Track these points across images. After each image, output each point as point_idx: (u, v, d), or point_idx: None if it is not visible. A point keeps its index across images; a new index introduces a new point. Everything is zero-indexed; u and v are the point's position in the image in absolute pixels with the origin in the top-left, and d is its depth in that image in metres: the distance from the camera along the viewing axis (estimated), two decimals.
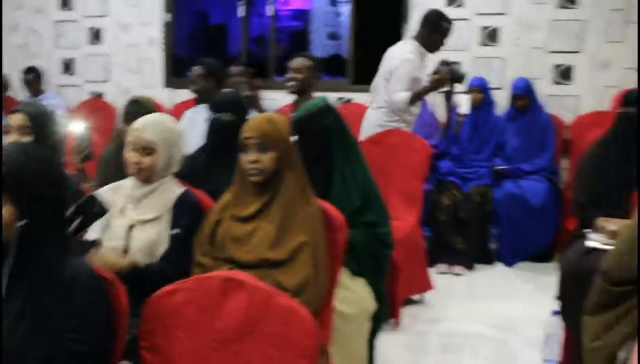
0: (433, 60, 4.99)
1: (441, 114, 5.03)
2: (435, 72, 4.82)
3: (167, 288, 2.08)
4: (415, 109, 4.82)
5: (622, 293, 2.75)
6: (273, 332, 1.97)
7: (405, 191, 4.24)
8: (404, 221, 4.07)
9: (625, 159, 3.52)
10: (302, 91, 4.50)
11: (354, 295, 2.86)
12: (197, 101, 4.54)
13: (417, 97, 4.67)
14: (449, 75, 4.68)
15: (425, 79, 4.71)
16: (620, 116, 3.65)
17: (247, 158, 2.51)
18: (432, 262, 4.90)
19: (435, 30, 4.72)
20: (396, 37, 5.65)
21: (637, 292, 2.36)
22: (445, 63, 4.94)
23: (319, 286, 2.43)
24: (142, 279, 2.42)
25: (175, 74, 6.73)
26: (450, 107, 5.02)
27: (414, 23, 5.46)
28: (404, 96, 4.61)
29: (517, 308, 4.29)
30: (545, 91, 5.62)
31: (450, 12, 5.12)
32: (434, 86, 4.63)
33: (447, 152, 5.37)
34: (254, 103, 4.88)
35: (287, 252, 2.43)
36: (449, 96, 4.91)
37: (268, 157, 2.48)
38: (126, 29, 6.71)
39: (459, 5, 5.82)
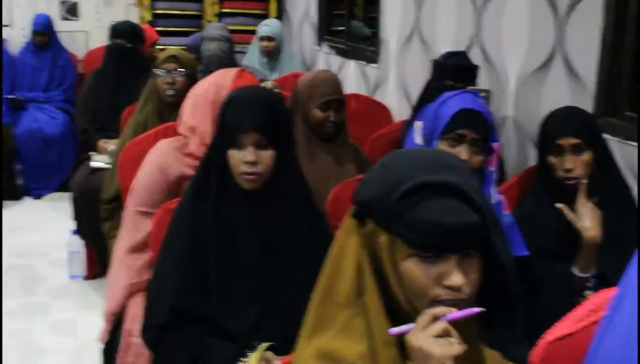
0: None
1: None
2: None
3: None
4: None
5: (114, 209, 3.18)
6: None
7: None
8: None
9: (117, 85, 3.95)
10: None
11: None
12: None
13: None
14: None
15: None
16: (110, 47, 4.06)
17: None
18: None
19: None
20: None
21: None
22: None
23: None
24: None
25: None
26: None
27: None
28: None
29: (44, 236, 4.51)
30: (56, 27, 5.77)
31: None
32: None
33: None
34: None
35: None
36: None
37: None
38: None
39: None
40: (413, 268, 1.12)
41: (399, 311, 1.16)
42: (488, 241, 1.16)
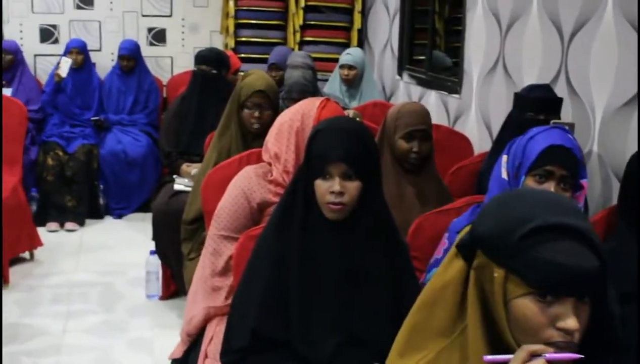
0: None
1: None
2: None
3: None
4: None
5: (194, 230, 3.23)
6: None
7: (5, 154, 4.30)
8: (5, 182, 4.15)
9: (201, 111, 4.03)
10: None
11: None
12: None
13: None
14: None
15: None
16: (195, 73, 4.15)
17: None
18: (43, 221, 5.05)
19: None
20: None
21: None
22: None
23: None
24: None
25: None
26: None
27: None
28: None
29: (124, 255, 4.63)
30: (142, 52, 5.95)
31: None
32: None
33: (51, 115, 5.47)
34: None
35: None
36: None
37: None
38: None
39: None
40: (528, 307, 1.12)
41: (497, 344, 1.16)
42: (601, 288, 1.15)
